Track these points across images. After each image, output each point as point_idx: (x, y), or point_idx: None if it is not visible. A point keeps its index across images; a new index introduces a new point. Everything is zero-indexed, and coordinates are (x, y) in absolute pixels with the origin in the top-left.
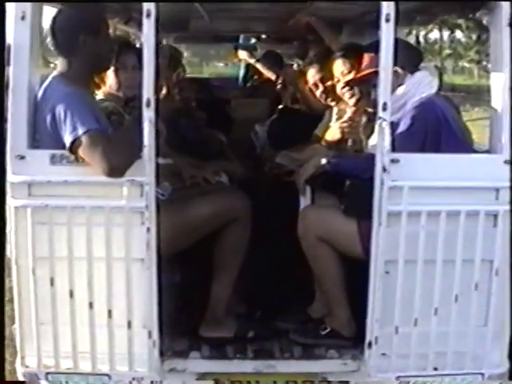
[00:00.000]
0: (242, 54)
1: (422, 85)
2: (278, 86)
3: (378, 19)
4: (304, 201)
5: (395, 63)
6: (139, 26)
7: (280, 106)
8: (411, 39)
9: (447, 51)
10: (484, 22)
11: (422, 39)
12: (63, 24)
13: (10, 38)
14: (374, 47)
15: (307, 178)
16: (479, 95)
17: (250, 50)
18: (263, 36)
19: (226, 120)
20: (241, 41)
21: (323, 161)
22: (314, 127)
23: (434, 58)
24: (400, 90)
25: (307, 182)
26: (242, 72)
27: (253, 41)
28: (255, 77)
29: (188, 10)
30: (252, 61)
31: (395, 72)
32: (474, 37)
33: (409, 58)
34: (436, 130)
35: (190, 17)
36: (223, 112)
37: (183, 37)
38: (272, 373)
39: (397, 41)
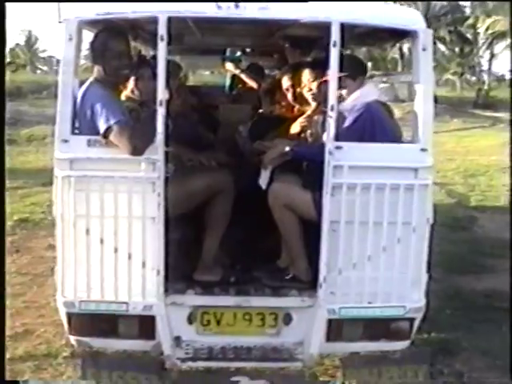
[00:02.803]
0: (229, 66)
1: (368, 94)
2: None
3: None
4: (264, 173)
5: (350, 76)
6: (144, 41)
7: (260, 111)
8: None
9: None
10: (468, 35)
11: (406, 50)
12: (97, 44)
13: (60, 55)
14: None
15: (273, 158)
16: (460, 107)
17: (236, 62)
18: (247, 50)
19: (213, 122)
20: (227, 53)
21: (287, 148)
22: (283, 125)
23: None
24: (352, 96)
25: (274, 164)
26: (228, 81)
27: (238, 54)
28: (239, 85)
29: (183, 27)
30: (237, 71)
31: (349, 81)
32: (457, 50)
33: (357, 70)
34: (372, 126)
35: (184, 33)
36: (212, 115)
37: (177, 49)
38: (247, 306)
39: (351, 57)
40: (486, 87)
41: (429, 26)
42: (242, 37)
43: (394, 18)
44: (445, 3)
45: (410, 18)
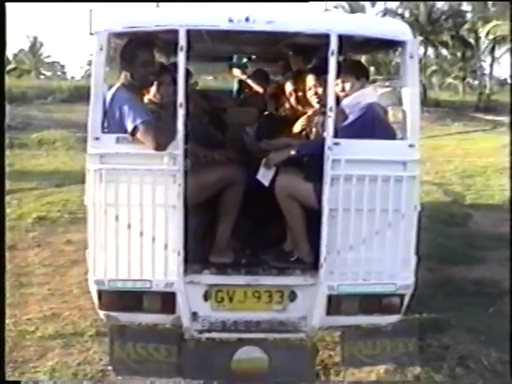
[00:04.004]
0: (236, 72)
1: (369, 95)
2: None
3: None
4: (266, 171)
5: (355, 76)
6: (162, 50)
7: (266, 113)
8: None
9: (433, 67)
10: (470, 39)
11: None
12: (125, 53)
13: (93, 64)
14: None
15: (280, 160)
16: (462, 111)
17: (242, 68)
18: (253, 56)
19: (222, 124)
20: (234, 60)
21: (292, 152)
22: (288, 126)
23: (420, 73)
24: (355, 94)
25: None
26: (235, 86)
27: (244, 60)
28: (246, 90)
29: (194, 37)
30: (244, 77)
31: (353, 80)
32: (459, 54)
33: (360, 72)
34: (373, 125)
35: (193, 41)
36: (220, 118)
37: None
38: (257, 285)
39: (354, 61)
40: (487, 91)
41: (429, 31)
42: (248, 45)
43: (386, 30)
44: (446, 8)
45: (400, 29)
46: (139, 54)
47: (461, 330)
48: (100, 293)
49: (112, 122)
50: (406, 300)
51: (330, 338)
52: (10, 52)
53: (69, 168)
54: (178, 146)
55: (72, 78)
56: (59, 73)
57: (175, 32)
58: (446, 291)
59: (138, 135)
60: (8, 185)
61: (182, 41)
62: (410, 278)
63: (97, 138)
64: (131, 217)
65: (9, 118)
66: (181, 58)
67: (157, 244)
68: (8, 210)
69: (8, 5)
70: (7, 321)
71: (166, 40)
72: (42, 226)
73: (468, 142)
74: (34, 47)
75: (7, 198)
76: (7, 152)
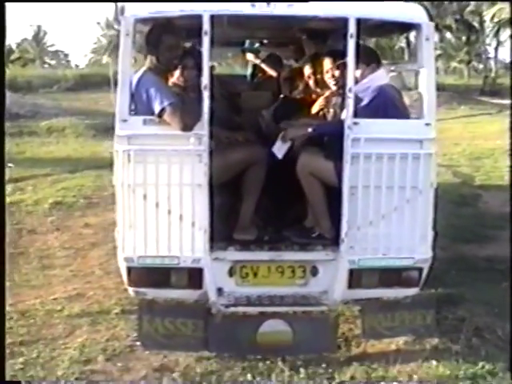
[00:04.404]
0: (250, 56)
1: (380, 78)
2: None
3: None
4: (282, 144)
5: (364, 62)
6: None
7: (281, 96)
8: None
9: (438, 52)
10: (474, 23)
11: (412, 39)
12: (151, 38)
13: (120, 49)
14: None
15: (296, 134)
16: (467, 94)
17: (255, 52)
18: (265, 41)
19: (237, 108)
20: (246, 45)
21: (309, 129)
22: (304, 108)
23: None
24: (366, 80)
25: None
26: (249, 70)
27: (256, 45)
28: (260, 74)
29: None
30: (257, 61)
31: (363, 66)
32: (464, 38)
33: (370, 58)
34: (385, 105)
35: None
36: (235, 101)
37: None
38: (280, 260)
39: (365, 47)
40: (492, 75)
41: (434, 15)
42: (262, 30)
43: (401, 13)
44: None
45: (415, 12)
46: (164, 38)
47: (475, 304)
48: (129, 269)
49: (139, 105)
50: (424, 273)
51: (350, 313)
52: (13, 41)
53: (80, 154)
54: (203, 127)
55: (76, 66)
56: (63, 61)
57: (198, 17)
58: (459, 268)
59: (165, 117)
60: (21, 171)
61: (206, 26)
62: (427, 252)
63: (125, 120)
64: (159, 196)
65: (17, 106)
66: (205, 42)
67: (184, 222)
68: (24, 196)
69: None
70: (33, 301)
71: (188, 25)
72: (59, 210)
73: (474, 125)
74: (38, 36)
75: (21, 185)
76: (17, 140)
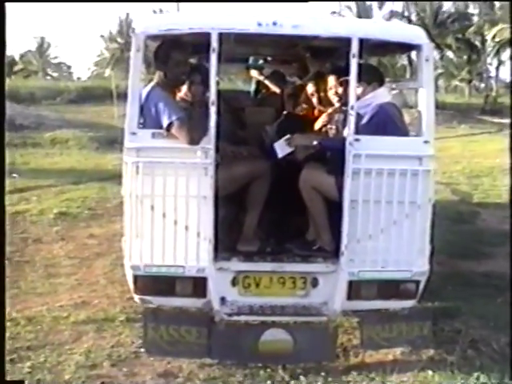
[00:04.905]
0: (253, 73)
1: (381, 96)
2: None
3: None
4: (284, 146)
5: (366, 80)
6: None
7: (284, 112)
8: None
9: (439, 70)
10: (476, 42)
11: (414, 57)
12: (160, 54)
13: (130, 65)
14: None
15: (301, 143)
16: (468, 113)
17: (259, 69)
18: (269, 58)
19: (241, 123)
20: (250, 61)
21: (315, 142)
22: (307, 124)
23: None
24: (367, 97)
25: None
26: (253, 86)
27: (260, 61)
28: (263, 90)
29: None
30: (261, 78)
31: (364, 84)
32: (465, 57)
33: (373, 76)
34: (385, 123)
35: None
36: (239, 117)
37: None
38: (281, 271)
39: (368, 66)
40: (493, 94)
41: (436, 34)
42: (266, 47)
43: (402, 34)
44: (452, 10)
45: (416, 33)
46: (173, 54)
47: (471, 317)
48: (136, 277)
49: (148, 118)
50: (421, 286)
51: (349, 324)
52: (17, 53)
53: (83, 166)
54: (209, 141)
55: (78, 78)
56: (65, 73)
57: (207, 35)
58: (455, 282)
59: (173, 131)
60: (26, 182)
61: (214, 43)
62: (425, 265)
63: (134, 133)
64: (166, 207)
65: (21, 117)
66: (213, 59)
67: (190, 232)
68: (29, 206)
69: (15, 5)
70: (40, 308)
71: (196, 41)
72: (64, 220)
73: (474, 143)
74: (42, 48)
75: (26, 195)
76: (21, 151)
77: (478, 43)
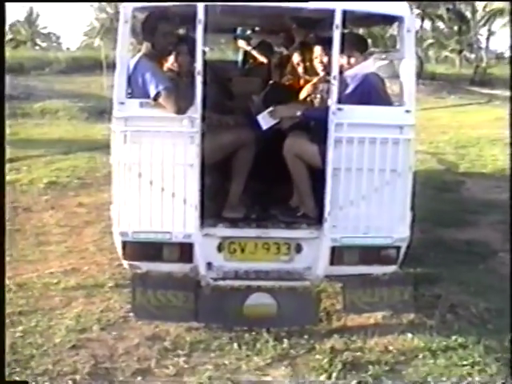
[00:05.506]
0: (241, 43)
1: (368, 67)
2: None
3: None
4: (269, 118)
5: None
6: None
7: (271, 82)
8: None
9: (429, 41)
10: (467, 12)
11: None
12: (147, 25)
13: (118, 36)
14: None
15: (285, 115)
16: (458, 84)
17: (247, 39)
18: (256, 28)
19: (228, 93)
20: (238, 32)
21: (298, 112)
22: (293, 94)
23: (416, 46)
24: (356, 67)
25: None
26: (240, 57)
27: (248, 32)
28: (251, 61)
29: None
30: (249, 48)
31: (356, 54)
32: (456, 28)
33: (363, 46)
34: (369, 93)
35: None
36: (226, 87)
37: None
38: (266, 237)
39: (358, 36)
40: (483, 64)
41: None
42: (253, 17)
43: (385, 6)
44: None
45: (398, 5)
46: (160, 26)
47: (451, 283)
48: (124, 244)
49: (136, 88)
50: (402, 252)
51: (332, 289)
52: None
53: (73, 136)
54: (196, 111)
55: (67, 49)
56: (55, 44)
57: (193, 6)
58: (438, 250)
59: (160, 100)
60: (15, 152)
61: (200, 14)
62: (405, 231)
63: (122, 103)
64: (153, 174)
65: (10, 88)
66: (199, 30)
67: (176, 199)
68: (19, 176)
69: None
70: (30, 274)
71: (182, 12)
72: (54, 190)
73: (463, 114)
74: (31, 18)
75: (16, 165)
76: (11, 121)
77: (468, 13)
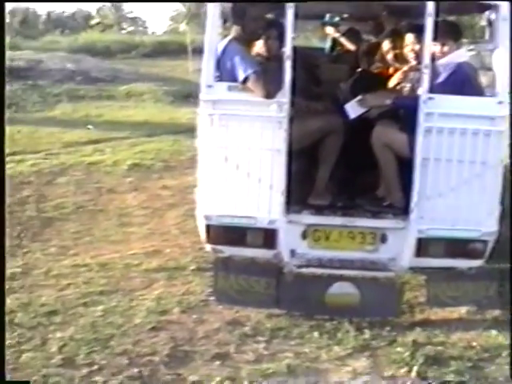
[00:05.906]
0: (329, 30)
1: (460, 56)
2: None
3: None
4: (358, 107)
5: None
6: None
7: (359, 69)
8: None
9: None
10: None
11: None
12: (237, 9)
13: (208, 19)
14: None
15: (375, 103)
16: None
17: (335, 26)
18: (345, 15)
19: (316, 79)
20: (327, 18)
21: (388, 100)
22: (381, 82)
23: None
24: (449, 56)
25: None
26: (328, 44)
27: (336, 19)
28: (339, 48)
29: None
30: (337, 35)
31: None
32: None
33: (458, 35)
34: (461, 83)
35: None
36: (314, 73)
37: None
38: (351, 226)
39: (453, 24)
40: None
41: None
42: (342, 4)
43: None
44: None
45: None
46: (249, 9)
47: None
48: (208, 227)
49: (224, 72)
50: (490, 246)
51: (416, 281)
52: (93, 7)
53: (158, 119)
54: (284, 95)
55: (153, 33)
56: (141, 28)
57: None
58: None
59: (249, 84)
60: (100, 133)
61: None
62: (494, 225)
63: (210, 86)
64: (239, 159)
65: (96, 70)
66: (289, 14)
67: (262, 184)
68: (103, 157)
69: None
70: (112, 255)
71: None
72: (137, 172)
73: None
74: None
75: (100, 146)
76: (96, 103)
77: None
